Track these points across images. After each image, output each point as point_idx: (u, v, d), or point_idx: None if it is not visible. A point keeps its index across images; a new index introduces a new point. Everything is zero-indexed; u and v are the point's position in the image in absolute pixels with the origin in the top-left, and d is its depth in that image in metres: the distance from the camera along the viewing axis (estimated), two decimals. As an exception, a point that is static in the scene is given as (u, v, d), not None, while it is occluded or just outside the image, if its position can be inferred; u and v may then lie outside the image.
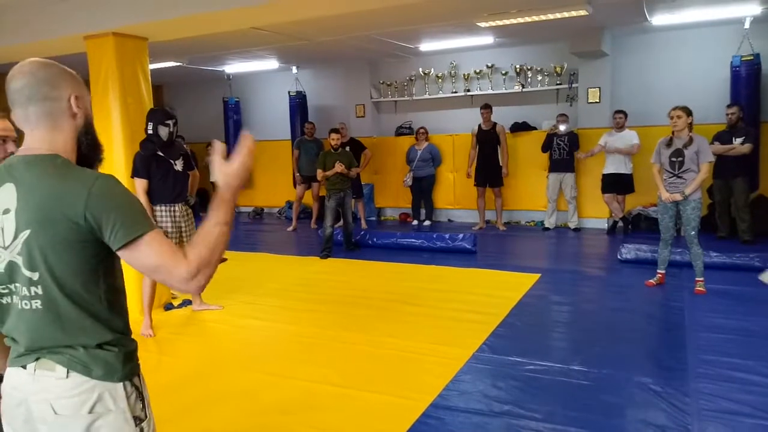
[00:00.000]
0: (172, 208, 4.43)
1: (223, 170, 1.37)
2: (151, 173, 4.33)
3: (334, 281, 5.75)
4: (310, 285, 5.64)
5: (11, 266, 1.31)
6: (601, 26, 7.27)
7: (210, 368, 3.73)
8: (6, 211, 1.31)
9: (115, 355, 1.35)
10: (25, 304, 1.32)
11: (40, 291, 1.31)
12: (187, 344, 4.20)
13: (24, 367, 1.34)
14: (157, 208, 4.39)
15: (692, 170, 4.74)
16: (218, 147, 1.40)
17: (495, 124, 8.08)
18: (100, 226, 1.27)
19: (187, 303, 5.03)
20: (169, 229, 4.42)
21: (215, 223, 1.34)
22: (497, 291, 5.13)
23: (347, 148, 8.30)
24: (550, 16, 6.22)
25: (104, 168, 5.04)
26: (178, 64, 8.68)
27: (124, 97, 4.73)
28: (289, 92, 9.93)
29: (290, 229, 8.94)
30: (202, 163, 10.71)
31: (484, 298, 4.94)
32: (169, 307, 5.01)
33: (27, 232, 1.28)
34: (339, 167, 6.78)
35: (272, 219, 10.45)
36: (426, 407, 3.02)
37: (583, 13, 6.06)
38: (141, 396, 1.42)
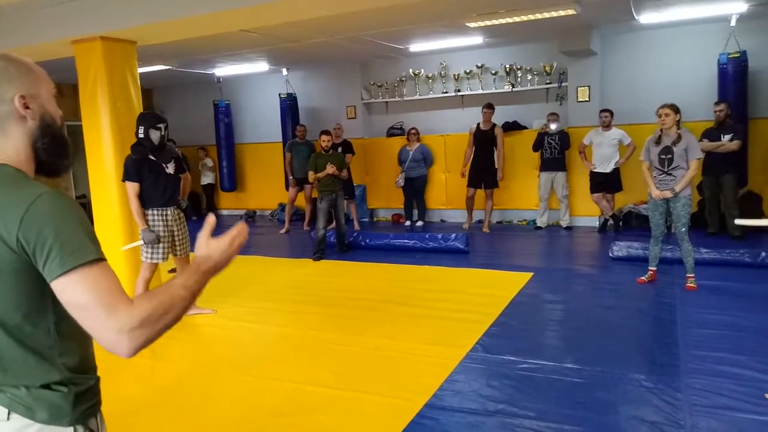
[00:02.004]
0: (164, 212, 4.42)
1: (209, 243, 1.26)
2: (142, 177, 4.31)
3: (327, 283, 5.74)
4: (303, 287, 5.63)
5: None
6: (589, 25, 7.31)
7: (203, 372, 3.72)
8: None
9: (64, 396, 1.16)
10: None
11: None
12: (181, 348, 4.18)
13: None
14: (150, 212, 4.37)
15: (681, 167, 4.77)
16: (211, 220, 1.30)
17: (494, 125, 8.05)
18: (34, 251, 1.08)
19: (179, 307, 5.00)
20: (162, 233, 4.40)
21: (181, 285, 1.19)
22: (490, 290, 5.14)
23: (339, 150, 8.30)
24: (539, 16, 6.25)
25: (95, 173, 5.01)
26: (168, 67, 8.64)
27: (114, 101, 4.72)
28: (279, 94, 9.91)
29: (283, 231, 8.93)
30: (195, 167, 10.71)
31: (477, 297, 4.95)
32: (161, 311, 4.98)
33: None
34: (330, 169, 6.78)
35: (265, 221, 10.43)
36: (420, 407, 3.02)
37: (571, 12, 6.10)
38: None
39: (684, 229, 4.85)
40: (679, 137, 4.77)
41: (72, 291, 1.08)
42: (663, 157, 4.83)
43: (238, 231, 1.30)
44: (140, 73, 5.10)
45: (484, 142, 8.04)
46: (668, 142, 4.81)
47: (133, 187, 4.30)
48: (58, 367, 1.17)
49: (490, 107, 7.95)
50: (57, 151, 1.25)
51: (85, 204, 10.34)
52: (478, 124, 8.10)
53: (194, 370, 3.76)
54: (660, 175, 4.87)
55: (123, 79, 4.83)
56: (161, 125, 4.36)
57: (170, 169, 4.44)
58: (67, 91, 10.05)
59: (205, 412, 3.16)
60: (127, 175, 4.32)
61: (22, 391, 1.15)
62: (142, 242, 4.34)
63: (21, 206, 1.08)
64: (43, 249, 1.07)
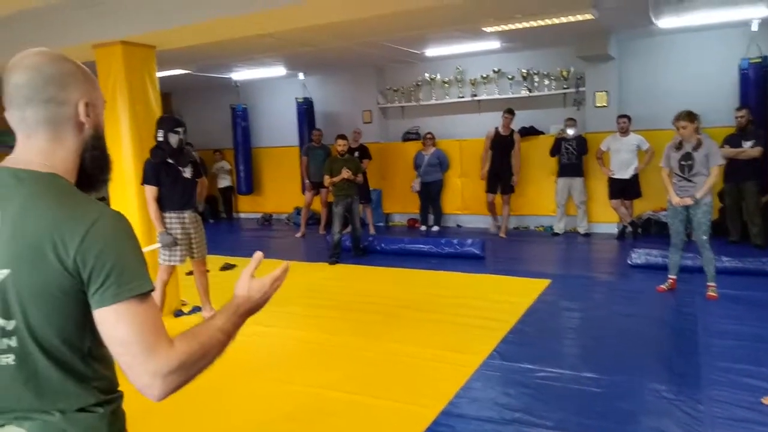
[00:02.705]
0: (182, 215, 4.45)
1: (252, 283, 1.22)
2: (160, 180, 4.35)
3: (343, 287, 5.74)
4: (318, 291, 5.63)
5: None
6: (607, 30, 7.25)
7: (219, 375, 3.72)
8: None
9: (100, 417, 1.11)
10: None
11: (14, 344, 1.06)
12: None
13: None
14: (167, 215, 4.40)
15: (702, 173, 4.70)
16: (257, 257, 1.26)
17: (513, 130, 8.01)
18: (90, 276, 1.02)
19: (197, 309, 5.04)
20: (179, 236, 4.43)
21: (219, 328, 1.14)
22: (507, 297, 5.10)
23: (356, 154, 8.30)
24: (556, 21, 6.20)
25: (114, 176, 5.03)
26: (186, 71, 8.72)
27: (133, 105, 4.76)
28: (296, 99, 9.96)
29: (299, 235, 8.95)
30: (211, 170, 10.80)
31: (494, 304, 4.91)
32: (178, 313, 5.02)
33: (6, 272, 1.03)
34: (346, 173, 6.78)
35: (281, 225, 10.46)
36: (437, 415, 3.00)
37: (588, 17, 6.04)
38: None
39: (705, 236, 4.77)
40: (700, 143, 4.69)
41: (117, 323, 1.03)
42: (683, 163, 4.76)
43: (282, 272, 1.26)
44: (159, 78, 5.15)
45: (502, 147, 8.00)
46: (689, 148, 4.73)
47: (151, 191, 4.34)
48: (92, 391, 1.12)
49: (510, 113, 7.92)
50: (101, 164, 1.21)
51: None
52: (497, 129, 8.06)
53: (210, 373, 3.74)
54: (680, 181, 4.80)
55: (142, 83, 4.87)
56: (180, 129, 4.40)
57: (187, 173, 4.47)
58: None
59: (222, 415, 3.16)
60: (146, 179, 4.36)
61: (56, 417, 1.08)
62: (159, 245, 4.38)
63: (83, 224, 1.03)
64: (100, 274, 1.02)
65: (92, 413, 1.11)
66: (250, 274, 1.23)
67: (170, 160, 4.38)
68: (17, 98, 1.10)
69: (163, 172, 4.36)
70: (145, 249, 4.63)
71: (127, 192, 4.81)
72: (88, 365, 1.11)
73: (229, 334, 1.16)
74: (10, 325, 1.05)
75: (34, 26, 5.00)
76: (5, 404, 1.08)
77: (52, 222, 1.03)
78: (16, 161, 1.11)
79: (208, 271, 4.87)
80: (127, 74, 4.74)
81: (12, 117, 1.12)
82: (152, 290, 1.08)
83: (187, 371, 1.06)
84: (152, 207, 4.34)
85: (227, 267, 6.76)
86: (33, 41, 5.15)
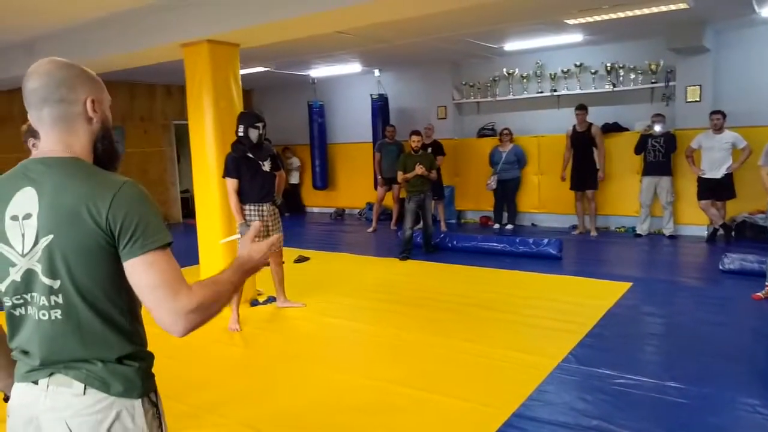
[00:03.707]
0: (261, 207, 4.58)
1: (252, 246, 1.39)
2: (241, 174, 4.49)
3: (414, 283, 5.72)
4: (389, 286, 5.65)
5: (28, 274, 1.23)
6: (702, 20, 6.78)
7: (291, 363, 3.82)
8: (27, 216, 1.22)
9: (136, 370, 1.28)
10: (43, 314, 1.23)
11: (60, 300, 1.23)
12: (271, 340, 4.32)
13: (36, 382, 1.25)
14: (247, 207, 4.55)
15: (809, 174, 4.32)
16: (256, 225, 1.47)
17: (590, 125, 7.76)
18: (120, 231, 1.20)
19: (272, 299, 5.19)
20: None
21: (228, 280, 1.31)
22: (584, 299, 4.90)
23: (429, 150, 8.25)
24: (646, 11, 5.88)
25: (198, 169, 5.27)
26: (266, 69, 8.99)
27: (217, 100, 4.95)
28: (371, 95, 10.03)
29: (370, 230, 9.03)
30: (287, 165, 11.10)
31: (570, 306, 4.73)
32: (254, 303, 5.19)
33: (50, 237, 1.20)
34: (419, 169, 6.75)
35: (353, 220, 10.59)
36: (508, 416, 2.92)
37: (683, 6, 5.68)
38: (158, 413, 1.34)
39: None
40: None
41: (145, 271, 1.20)
42: (787, 162, 4.39)
43: (276, 239, 1.49)
44: (241, 75, 5.33)
45: (581, 143, 7.77)
46: (794, 145, 4.36)
47: (232, 183, 4.49)
48: (131, 341, 1.29)
49: (582, 108, 7.70)
50: (111, 153, 1.37)
51: (188, 198, 11.02)
52: (574, 126, 7.82)
53: (282, 361, 3.87)
54: (783, 182, 4.43)
55: (226, 80, 5.06)
56: (259, 124, 4.53)
57: (266, 166, 4.60)
58: (176, 92, 10.75)
59: (291, 401, 3.23)
60: (227, 172, 4.52)
61: (98, 366, 1.25)
62: (239, 236, 4.52)
63: (111, 190, 1.21)
64: (129, 229, 1.20)
65: (129, 366, 1.27)
66: (251, 239, 1.41)
67: (250, 155, 4.52)
68: (34, 100, 1.28)
69: (243, 165, 4.50)
70: (226, 240, 4.82)
71: (210, 184, 5.02)
72: (126, 319, 1.28)
73: (235, 286, 1.33)
74: (57, 283, 1.22)
75: (126, 27, 5.31)
76: (56, 355, 1.25)
77: (85, 192, 1.21)
78: (42, 152, 1.30)
79: (283, 262, 5.00)
80: (213, 71, 4.94)
81: (32, 117, 1.31)
82: (172, 242, 1.24)
83: (204, 312, 1.22)
84: (233, 199, 4.50)
85: (301, 259, 6.92)
86: (125, 41, 5.50)
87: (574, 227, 8.23)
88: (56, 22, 5.54)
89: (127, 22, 5.28)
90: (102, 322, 1.24)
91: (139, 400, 1.28)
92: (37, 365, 1.25)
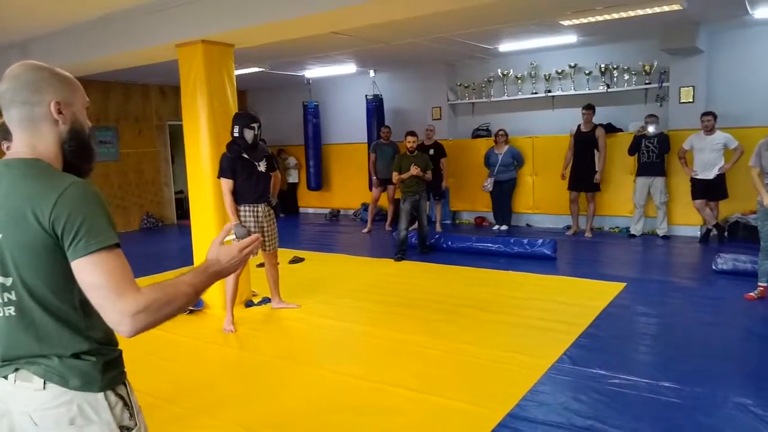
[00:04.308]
0: (256, 208, 4.57)
1: (220, 249, 1.39)
2: (236, 174, 4.48)
3: (408, 284, 5.72)
4: (384, 287, 5.65)
5: None
6: (695, 21, 6.82)
7: (286, 364, 3.81)
8: None
9: (93, 364, 1.29)
10: None
11: (13, 297, 1.27)
12: (266, 341, 4.31)
13: (5, 377, 1.30)
14: (242, 207, 4.54)
15: (800, 175, 4.35)
16: (227, 227, 1.47)
17: (596, 126, 7.76)
18: (63, 232, 1.21)
19: (266, 300, 5.18)
20: (252, 228, 4.56)
21: (187, 282, 1.30)
22: (579, 300, 4.92)
23: (431, 152, 8.34)
24: (640, 12, 5.90)
25: (192, 170, 5.23)
26: (261, 69, 8.98)
27: (211, 101, 4.94)
28: (366, 96, 10.03)
29: (365, 230, 9.03)
30: (285, 164, 11.09)
31: (565, 306, 4.75)
32: (249, 304, 5.18)
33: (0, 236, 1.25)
34: (414, 170, 6.76)
35: (348, 221, 10.59)
36: (502, 417, 2.93)
37: (677, 7, 5.70)
38: (128, 405, 1.36)
39: (802, 242, 4.41)
40: None
41: (90, 271, 1.21)
42: (778, 162, 4.42)
43: (251, 241, 1.43)
44: (236, 75, 5.32)
45: (584, 144, 7.78)
46: (785, 146, 4.40)
47: (227, 184, 4.48)
48: (86, 339, 1.30)
49: (589, 108, 7.69)
50: (81, 154, 1.39)
51: (182, 199, 10.99)
52: (579, 126, 7.83)
53: (278, 362, 3.86)
54: (774, 182, 4.46)
55: (221, 80, 5.05)
56: (255, 125, 4.52)
57: (262, 167, 4.59)
58: (170, 92, 10.72)
59: (285, 402, 3.23)
60: (222, 172, 4.51)
61: (55, 361, 1.28)
62: (234, 236, 4.52)
63: (55, 192, 1.23)
64: (71, 230, 1.21)
65: (86, 361, 1.29)
66: (219, 242, 1.41)
67: (245, 155, 4.51)
68: (4, 102, 1.34)
69: (238, 166, 4.49)
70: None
71: (205, 184, 5.01)
72: (79, 316, 1.30)
73: (196, 289, 1.31)
74: (8, 281, 1.27)
75: (120, 27, 5.30)
76: (15, 351, 1.29)
77: (32, 193, 1.24)
78: (10, 153, 1.35)
79: (278, 263, 4.99)
80: (207, 71, 4.92)
81: (5, 118, 1.35)
82: (117, 244, 1.25)
83: (154, 314, 1.22)
84: (227, 199, 4.49)
85: (296, 260, 6.91)
86: (119, 42, 5.48)
87: (569, 227, 8.26)
88: (51, 23, 5.52)
89: (122, 22, 5.27)
90: (54, 320, 1.28)
91: (101, 393, 1.30)
92: (1, 362, 1.30)
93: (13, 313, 1.28)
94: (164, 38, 5.06)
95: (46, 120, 1.33)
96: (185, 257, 5.31)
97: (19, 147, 1.33)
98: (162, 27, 5.04)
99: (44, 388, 1.27)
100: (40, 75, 1.33)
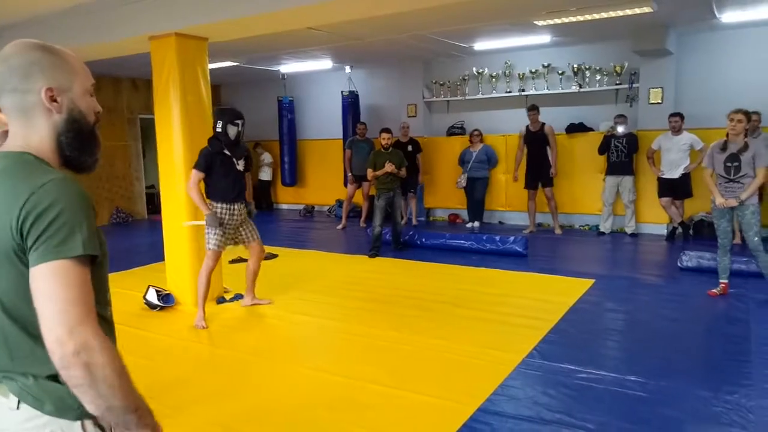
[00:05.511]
0: (232, 207, 4.51)
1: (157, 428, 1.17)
2: (213, 169, 4.40)
3: (382, 280, 5.75)
4: (358, 283, 5.67)
5: None
6: (665, 24, 6.98)
7: (259, 361, 3.80)
8: None
9: (69, 390, 1.08)
10: None
11: None
12: (238, 337, 4.29)
13: None
14: (219, 205, 4.45)
15: (749, 175, 4.57)
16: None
17: (543, 124, 7.94)
18: (29, 232, 1.05)
19: (238, 297, 5.14)
20: (229, 226, 4.51)
21: (129, 389, 1.10)
22: (549, 296, 5.01)
23: (409, 148, 8.41)
24: (612, 14, 6.02)
25: (164, 164, 5.15)
26: (236, 64, 8.89)
27: (185, 95, 4.88)
28: (342, 92, 10.01)
29: (340, 227, 9.03)
30: (259, 161, 11.00)
31: (535, 302, 4.83)
32: (221, 300, 5.14)
33: None
34: (389, 167, 6.78)
35: (322, 217, 10.57)
36: (474, 411, 2.98)
37: (647, 10, 5.83)
38: None
39: (756, 238, 4.60)
40: (746, 146, 4.55)
41: (49, 280, 1.04)
42: (729, 164, 4.62)
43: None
44: (210, 69, 5.26)
45: (536, 143, 7.98)
46: (734, 149, 4.59)
47: (197, 176, 4.36)
48: None
49: (533, 109, 7.92)
50: (81, 146, 1.23)
51: (153, 194, 10.83)
52: (527, 127, 8.03)
53: (250, 359, 3.85)
54: (726, 183, 4.65)
55: (194, 74, 4.98)
56: (239, 121, 4.43)
57: (240, 165, 4.53)
58: (142, 85, 10.53)
59: (259, 399, 3.22)
60: (197, 164, 4.39)
61: (30, 381, 1.14)
62: (204, 222, 4.44)
63: (30, 188, 1.07)
64: (39, 229, 1.05)
65: (62, 384, 1.09)
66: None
67: (226, 151, 4.44)
68: None
69: (217, 161, 4.40)
70: (190, 223, 4.72)
71: (176, 179, 4.95)
72: None
73: (126, 401, 1.09)
74: None
75: (93, 18, 5.19)
76: None
77: (7, 191, 1.09)
78: (3, 146, 1.20)
79: (265, 254, 4.93)
80: (180, 65, 4.85)
81: None
82: (85, 254, 1.07)
83: (89, 363, 1.03)
84: (194, 190, 4.36)
85: (269, 257, 6.87)
86: (91, 32, 5.37)
87: (539, 225, 8.38)
88: (22, 11, 5.37)
89: (94, 13, 5.16)
90: (28, 337, 1.12)
91: (78, 422, 1.15)
92: None
93: None
94: (137, 30, 4.97)
95: (38, 109, 1.18)
96: (156, 253, 5.25)
97: (12, 139, 1.19)
98: (135, 19, 4.95)
99: (18, 407, 1.13)
100: (32, 57, 1.17)
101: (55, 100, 1.18)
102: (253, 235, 4.70)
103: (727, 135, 4.64)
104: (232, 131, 4.40)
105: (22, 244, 1.06)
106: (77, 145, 1.22)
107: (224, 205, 4.47)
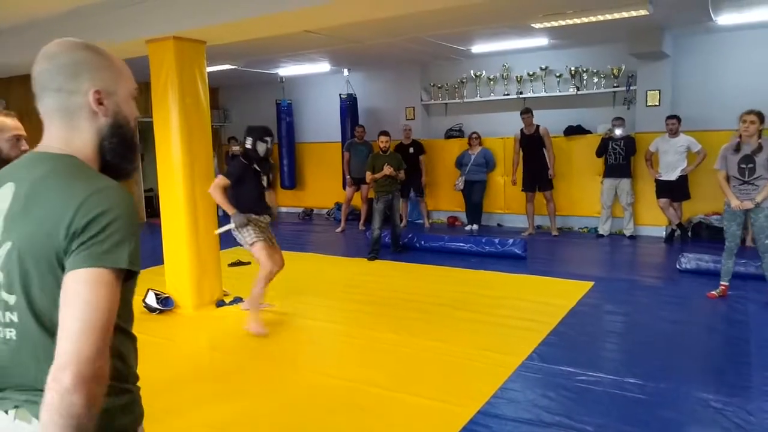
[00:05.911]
0: (261, 220, 4.49)
1: None
2: (244, 181, 4.39)
3: (382, 283, 5.75)
4: (357, 286, 5.66)
5: None
6: (662, 26, 7.00)
7: (258, 364, 3.79)
8: None
9: (102, 411, 1.00)
10: None
11: (15, 318, 1.06)
12: (238, 340, 4.28)
13: (6, 411, 1.08)
14: (253, 216, 4.44)
15: (764, 177, 4.52)
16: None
17: (537, 127, 7.95)
18: (77, 236, 1.00)
19: (238, 300, 5.13)
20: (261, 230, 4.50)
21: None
22: (548, 298, 5.01)
23: (411, 150, 8.44)
24: (609, 17, 6.03)
25: (163, 168, 5.13)
26: (234, 67, 8.89)
27: (183, 98, 4.88)
28: (340, 95, 10.02)
29: (339, 230, 9.02)
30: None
31: (535, 305, 4.83)
32: (220, 303, 5.13)
33: (9, 244, 1.05)
34: (387, 170, 6.79)
35: (321, 220, 10.56)
36: (473, 414, 2.97)
37: (643, 12, 5.85)
38: None
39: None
40: (761, 147, 4.51)
41: (83, 289, 0.98)
42: (743, 166, 4.57)
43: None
44: (208, 72, 5.25)
45: (531, 145, 7.99)
46: (748, 150, 4.55)
47: (221, 181, 4.32)
48: None
49: (527, 112, 7.93)
50: (123, 153, 1.18)
51: (152, 197, 10.80)
52: (522, 130, 8.05)
53: (250, 362, 3.84)
54: (740, 185, 4.61)
55: (192, 77, 4.98)
56: (268, 138, 4.49)
57: (265, 181, 4.56)
58: (140, 88, 10.51)
59: (258, 402, 3.21)
60: (228, 174, 4.38)
61: None
62: (232, 225, 4.42)
63: (85, 192, 1.02)
64: (85, 235, 1.00)
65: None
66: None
67: (257, 167, 4.47)
68: (37, 87, 1.13)
69: (249, 175, 4.42)
70: (220, 230, 4.70)
71: (175, 182, 4.94)
72: None
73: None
74: (12, 299, 1.06)
75: (90, 21, 5.18)
76: (11, 379, 1.07)
77: (60, 194, 1.04)
78: (41, 146, 1.15)
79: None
80: (178, 68, 4.85)
81: (38, 105, 1.15)
82: (127, 269, 1.02)
83: (90, 383, 0.95)
84: (217, 192, 4.32)
85: (239, 263, 6.84)
86: (88, 36, 5.32)
87: (538, 227, 8.39)
88: (20, 15, 5.37)
89: (91, 16, 5.15)
90: None
91: None
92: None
93: (14, 338, 1.06)
94: (135, 34, 4.97)
95: (83, 111, 1.12)
96: (155, 257, 5.24)
97: (50, 141, 1.13)
98: (132, 22, 4.95)
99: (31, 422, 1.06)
100: (79, 56, 1.12)
101: (101, 103, 1.14)
102: (276, 243, 4.70)
103: (740, 137, 4.62)
104: (261, 148, 4.44)
105: (67, 248, 1.01)
106: (120, 151, 1.17)
107: (255, 218, 4.44)
